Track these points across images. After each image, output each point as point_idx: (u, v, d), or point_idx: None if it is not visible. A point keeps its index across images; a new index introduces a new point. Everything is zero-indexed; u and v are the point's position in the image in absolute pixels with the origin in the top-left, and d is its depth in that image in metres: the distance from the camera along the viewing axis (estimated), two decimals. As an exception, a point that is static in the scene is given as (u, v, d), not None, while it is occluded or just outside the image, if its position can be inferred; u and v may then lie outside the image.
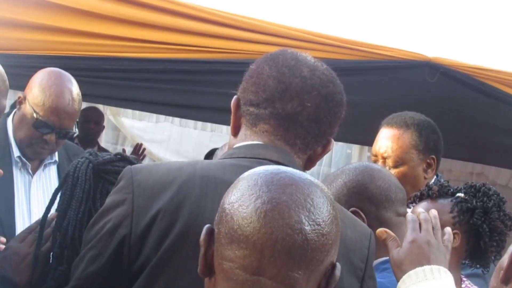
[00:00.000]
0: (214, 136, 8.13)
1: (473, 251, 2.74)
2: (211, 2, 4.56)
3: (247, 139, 2.07)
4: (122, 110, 8.05)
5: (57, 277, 2.21)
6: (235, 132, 2.12)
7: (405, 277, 2.14)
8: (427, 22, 4.85)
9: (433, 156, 3.65)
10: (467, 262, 2.76)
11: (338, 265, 1.52)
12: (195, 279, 1.60)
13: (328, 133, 2.10)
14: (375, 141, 3.70)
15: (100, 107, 7.41)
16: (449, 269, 2.19)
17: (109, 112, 8.19)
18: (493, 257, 2.78)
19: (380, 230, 2.27)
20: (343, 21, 4.74)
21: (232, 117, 2.12)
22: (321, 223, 1.45)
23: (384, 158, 3.61)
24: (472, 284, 2.69)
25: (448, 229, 2.33)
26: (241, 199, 1.47)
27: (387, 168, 3.56)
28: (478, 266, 2.79)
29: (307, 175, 1.54)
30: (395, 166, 3.58)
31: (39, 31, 4.50)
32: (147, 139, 8.38)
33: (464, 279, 2.73)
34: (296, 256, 1.43)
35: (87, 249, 1.97)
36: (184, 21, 4.50)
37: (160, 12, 4.49)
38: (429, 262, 2.16)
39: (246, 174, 1.55)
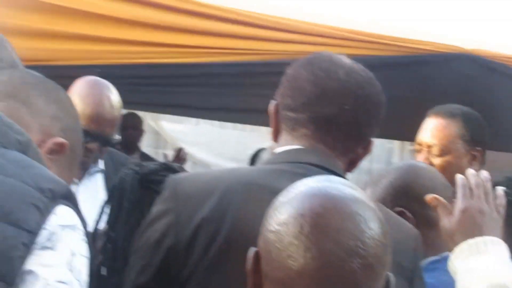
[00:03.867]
0: (254, 135, 8.14)
1: None
2: (243, 5, 4.57)
3: (288, 143, 2.07)
4: (162, 114, 8.10)
5: None
6: (276, 137, 2.13)
7: (457, 251, 2.08)
8: (464, 13, 4.80)
9: (479, 149, 3.62)
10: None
11: (392, 278, 1.48)
12: (242, 286, 1.62)
13: (368, 134, 2.10)
14: (420, 131, 3.69)
15: (140, 112, 7.46)
16: None
17: (149, 117, 8.25)
18: None
19: (430, 196, 2.22)
20: (378, 17, 4.71)
21: (271, 122, 2.14)
22: (375, 254, 1.38)
23: (429, 147, 3.59)
24: None
25: (500, 192, 2.22)
26: (288, 249, 1.36)
27: (432, 157, 3.55)
28: None
29: (350, 190, 1.44)
30: (440, 155, 3.55)
31: (77, 40, 4.53)
32: (188, 142, 8.42)
33: None
34: None
35: (136, 260, 2.00)
36: (219, 24, 4.51)
37: (196, 16, 4.50)
38: (481, 233, 2.08)
39: (289, 209, 1.40)
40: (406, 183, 2.48)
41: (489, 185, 2.19)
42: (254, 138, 7.93)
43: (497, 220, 2.14)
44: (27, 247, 1.43)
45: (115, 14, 4.48)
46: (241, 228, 1.87)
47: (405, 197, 2.45)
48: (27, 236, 1.43)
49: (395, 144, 7.25)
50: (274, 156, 2.09)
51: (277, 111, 2.12)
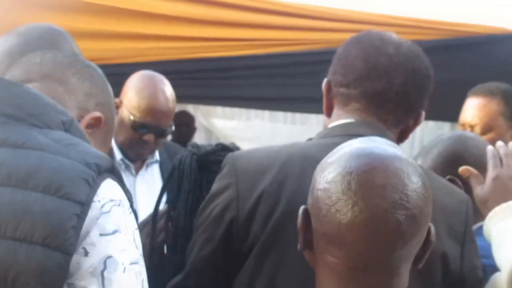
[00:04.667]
0: (305, 129, 8.16)
1: None
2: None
3: (340, 118, 2.15)
4: (212, 111, 8.16)
5: (173, 265, 2.32)
6: (328, 113, 2.21)
7: (491, 214, 2.16)
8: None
9: None
10: None
11: (432, 228, 1.56)
12: (300, 255, 1.69)
13: (418, 106, 2.17)
14: (462, 112, 3.73)
15: (191, 110, 7.55)
16: None
17: (200, 114, 8.34)
18: None
19: (463, 168, 2.32)
20: (421, 2, 4.74)
21: (324, 99, 2.21)
22: (418, 205, 1.47)
23: (472, 127, 3.63)
24: None
25: None
26: (337, 204, 1.47)
27: None
28: None
29: (392, 149, 1.55)
30: (483, 133, 3.58)
31: (127, 39, 4.66)
32: (239, 138, 8.43)
33: None
34: (397, 250, 1.47)
35: (199, 234, 2.08)
36: (264, 16, 4.60)
37: (240, 9, 4.59)
38: None
39: (336, 168, 1.51)
40: (456, 152, 2.54)
41: None
42: (304, 131, 7.93)
43: None
44: (80, 218, 1.49)
45: (163, 11, 4.59)
46: (298, 199, 1.92)
47: (455, 165, 2.49)
48: (79, 207, 1.50)
49: (446, 129, 7.24)
50: (327, 130, 2.17)
51: (329, 88, 2.20)
